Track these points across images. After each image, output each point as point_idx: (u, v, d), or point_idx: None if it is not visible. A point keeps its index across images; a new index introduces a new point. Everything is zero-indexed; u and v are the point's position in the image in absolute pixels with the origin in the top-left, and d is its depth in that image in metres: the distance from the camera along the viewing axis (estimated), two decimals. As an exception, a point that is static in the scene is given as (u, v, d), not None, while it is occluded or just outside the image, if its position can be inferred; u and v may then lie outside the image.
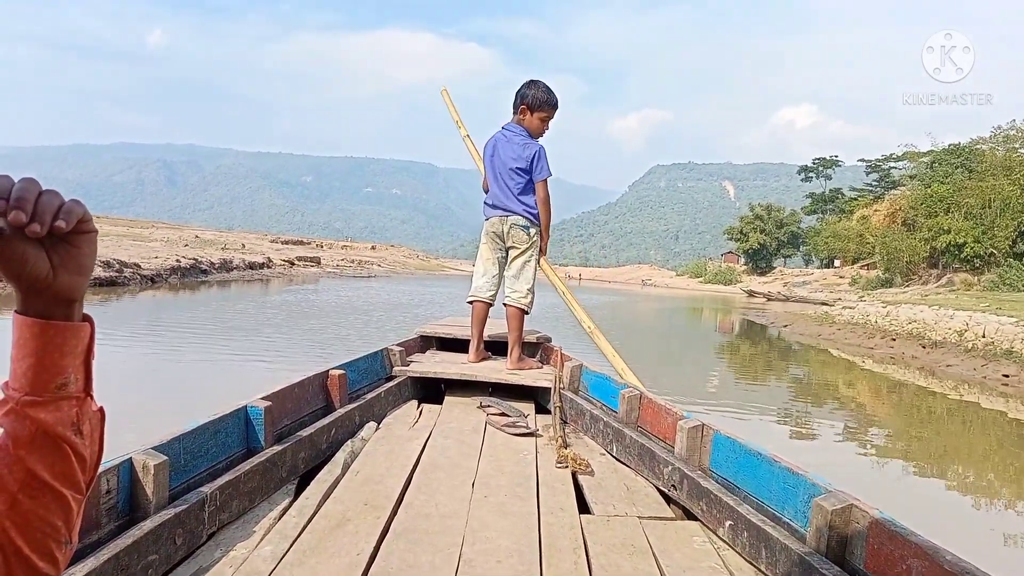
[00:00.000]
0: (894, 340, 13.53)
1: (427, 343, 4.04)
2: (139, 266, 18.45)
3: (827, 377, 10.67)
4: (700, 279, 72.83)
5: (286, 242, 48.03)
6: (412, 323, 11.97)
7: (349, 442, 2.41)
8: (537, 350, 3.89)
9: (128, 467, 1.50)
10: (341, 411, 2.55)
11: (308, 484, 2.02)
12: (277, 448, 2.02)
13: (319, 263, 38.24)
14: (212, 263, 24.26)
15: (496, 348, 3.75)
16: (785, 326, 18.65)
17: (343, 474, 2.13)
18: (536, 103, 3.49)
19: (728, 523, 1.80)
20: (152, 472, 1.50)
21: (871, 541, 1.41)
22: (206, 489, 1.65)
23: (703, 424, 2.14)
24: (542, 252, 3.66)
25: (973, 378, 9.99)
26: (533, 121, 3.51)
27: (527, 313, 3.55)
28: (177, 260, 21.58)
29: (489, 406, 3.03)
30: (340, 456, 2.25)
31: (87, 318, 0.65)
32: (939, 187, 39.06)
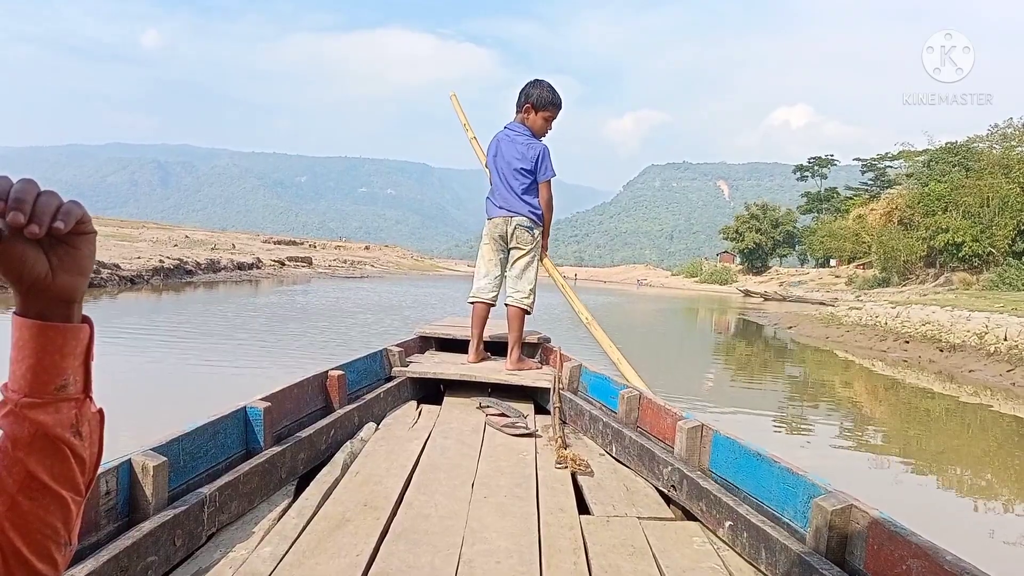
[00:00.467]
0: (907, 343, 13.01)
1: (426, 344, 4.03)
2: (118, 266, 18.05)
3: (841, 382, 10.12)
4: (696, 279, 73.02)
5: (278, 242, 47.74)
6: (402, 327, 11.42)
7: (348, 443, 2.40)
8: (536, 351, 3.89)
9: (127, 468, 1.49)
10: (340, 412, 2.54)
11: (307, 485, 2.01)
12: (276, 449, 2.01)
13: (310, 263, 38.03)
14: (198, 263, 23.84)
15: (495, 348, 3.74)
16: (790, 327, 18.15)
17: (342, 475, 2.12)
18: (541, 102, 3.49)
19: (728, 523, 1.80)
20: (151, 473, 1.49)
21: (871, 541, 1.41)
22: (205, 490, 1.64)
23: (703, 424, 2.14)
24: (543, 250, 3.67)
25: (999, 384, 9.36)
26: (537, 120, 3.51)
27: (528, 313, 3.55)
28: (160, 260, 21.13)
29: (488, 407, 3.02)
30: (339, 457, 2.25)
31: (86, 319, 0.64)
32: (936, 186, 39.04)
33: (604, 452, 2.61)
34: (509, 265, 3.63)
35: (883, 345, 13.35)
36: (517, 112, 3.56)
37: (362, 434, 2.54)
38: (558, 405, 2.96)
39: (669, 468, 2.13)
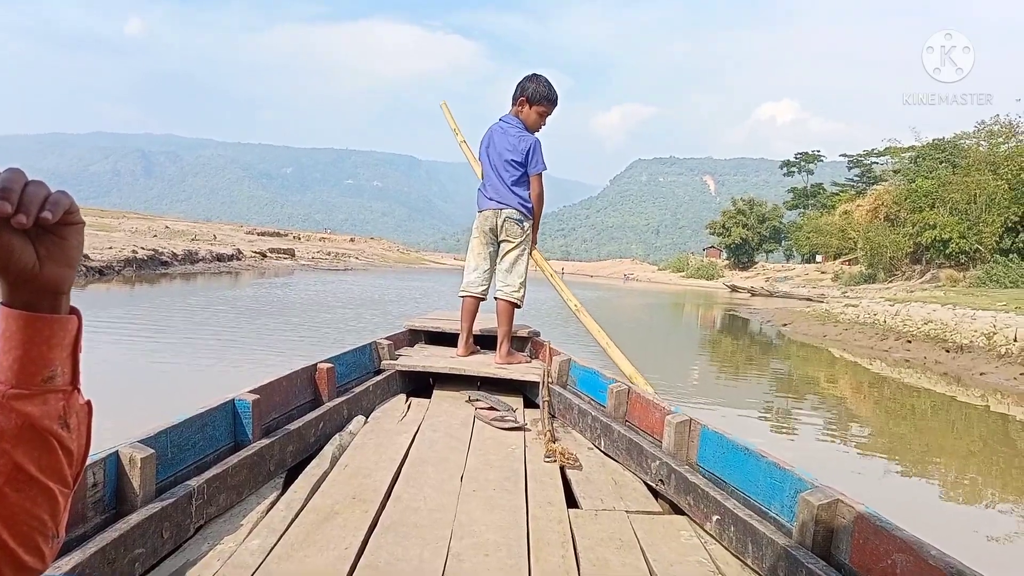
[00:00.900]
0: (910, 342, 12.35)
1: (415, 337, 4.02)
2: (87, 256, 17.57)
3: (844, 384, 9.61)
4: (682, 273, 73.32)
5: (262, 233, 47.16)
6: (382, 323, 11.03)
7: (337, 436, 2.39)
8: (526, 344, 3.89)
9: (115, 460, 1.48)
10: (329, 405, 2.53)
11: (296, 478, 2.01)
12: (265, 442, 2.00)
13: (293, 255, 37.52)
14: (175, 254, 23.33)
15: (485, 342, 3.75)
16: (785, 325, 17.51)
17: (331, 468, 2.12)
18: (536, 97, 3.49)
19: (715, 517, 1.81)
20: (139, 465, 1.48)
21: (857, 536, 1.42)
22: (193, 483, 1.63)
23: (691, 419, 2.15)
24: (532, 243, 3.67)
25: (1014, 389, 8.84)
26: (531, 115, 3.51)
27: (518, 307, 3.55)
28: (133, 251, 20.60)
29: (478, 400, 3.02)
30: (328, 450, 2.24)
31: (74, 311, 0.64)
32: (923, 182, 39.16)
33: (593, 446, 2.62)
34: (499, 258, 3.62)
35: (884, 345, 12.74)
36: (512, 105, 3.56)
37: (351, 427, 2.53)
38: (547, 399, 2.97)
39: (657, 462, 2.14)
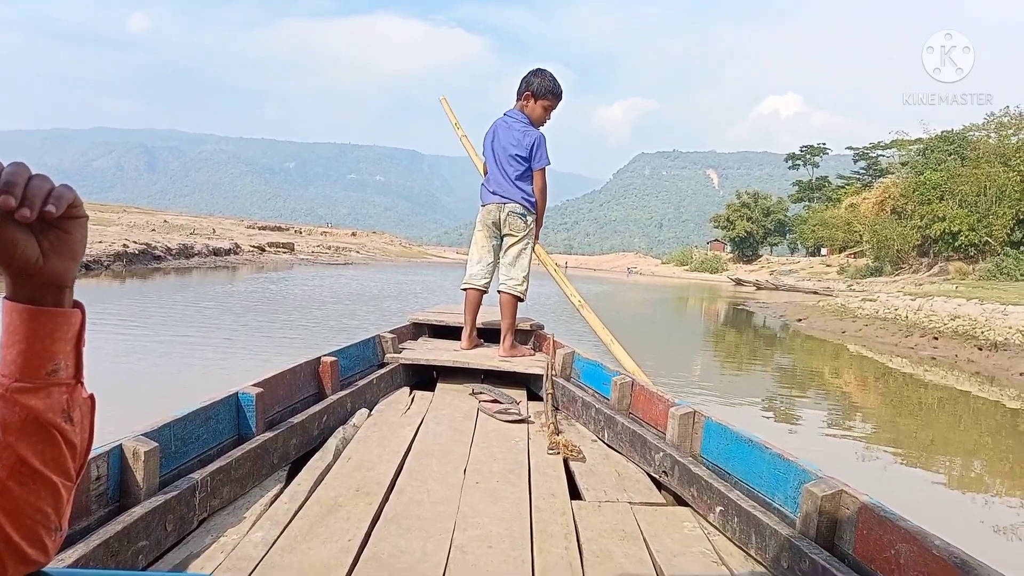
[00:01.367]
0: (936, 339, 11.69)
1: (419, 330, 4.03)
2: None
3: (872, 384, 8.90)
4: (686, 267, 73.12)
5: (263, 228, 46.70)
6: (378, 321, 10.32)
7: (341, 429, 2.40)
8: (529, 337, 3.89)
9: (118, 453, 1.48)
10: (333, 398, 2.54)
11: (300, 471, 2.01)
12: (268, 435, 2.01)
13: (292, 249, 36.90)
14: (168, 249, 22.59)
15: (488, 335, 3.75)
16: (799, 320, 16.67)
17: (335, 460, 2.12)
18: (541, 91, 3.49)
19: (719, 509, 1.81)
20: (143, 459, 1.49)
21: (860, 526, 1.42)
22: (197, 475, 1.64)
23: (695, 411, 2.15)
24: (535, 238, 3.67)
25: None
26: (536, 109, 3.51)
27: (521, 300, 3.55)
28: (124, 245, 19.82)
29: (481, 393, 3.02)
30: (332, 443, 2.24)
31: (78, 304, 0.64)
32: (932, 174, 38.58)
33: (596, 438, 2.63)
34: (502, 252, 3.63)
35: (909, 342, 12.00)
36: (517, 99, 3.56)
37: (354, 420, 2.54)
38: (551, 391, 2.97)
39: (661, 454, 2.14)
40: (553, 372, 3.14)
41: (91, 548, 1.25)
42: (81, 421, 0.65)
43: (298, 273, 24.29)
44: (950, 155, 39.96)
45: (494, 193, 3.55)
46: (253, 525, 1.64)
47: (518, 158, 3.48)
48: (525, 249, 3.59)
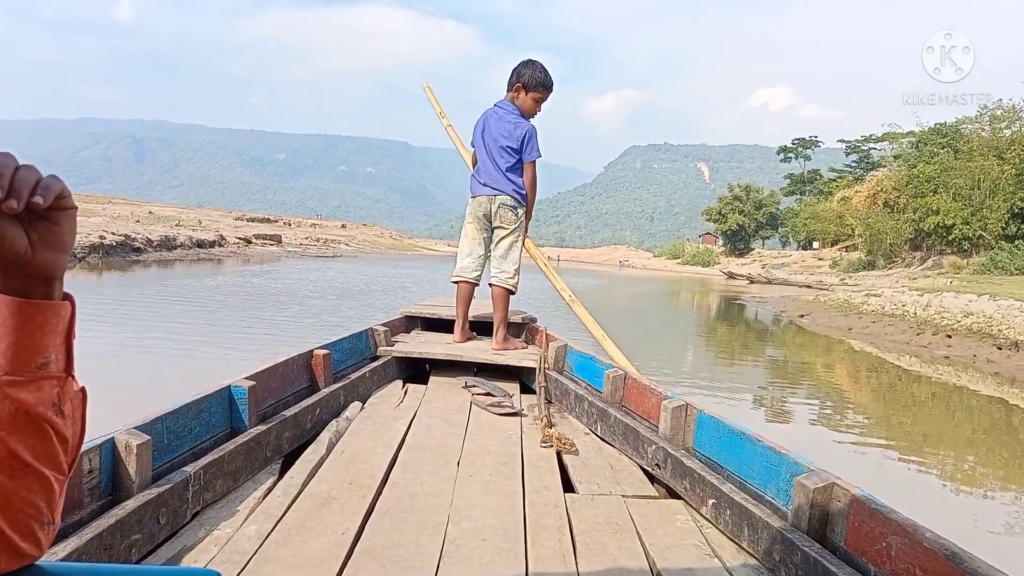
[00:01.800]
0: (950, 337, 11.10)
1: (412, 323, 4.02)
2: None
3: (890, 388, 8.22)
4: (678, 260, 73.35)
5: (251, 220, 46.10)
6: (364, 316, 9.77)
7: (334, 422, 2.39)
8: (522, 330, 3.89)
9: (110, 447, 1.47)
10: (326, 391, 2.53)
11: (293, 464, 2.01)
12: (261, 428, 2.00)
13: (280, 242, 36.32)
14: (149, 240, 22.04)
15: (481, 328, 3.75)
16: (802, 316, 16.00)
17: (328, 454, 2.12)
18: (532, 83, 3.47)
19: (711, 501, 1.82)
20: (135, 452, 1.48)
21: (852, 519, 1.43)
22: (190, 469, 1.63)
23: (687, 404, 2.16)
24: (525, 231, 3.66)
25: None
26: (527, 101, 3.49)
27: (513, 293, 3.55)
28: (101, 237, 19.25)
29: (474, 386, 3.02)
30: (325, 436, 2.24)
31: (67, 297, 0.64)
32: (925, 167, 38.38)
33: (589, 431, 2.63)
34: (493, 245, 3.62)
35: (922, 340, 11.40)
36: (508, 91, 3.54)
37: (347, 413, 2.53)
38: (544, 384, 2.97)
39: (653, 447, 2.15)
40: (546, 365, 3.14)
41: (84, 542, 1.25)
42: (72, 414, 0.64)
43: (284, 266, 23.70)
44: (943, 148, 39.92)
45: (485, 184, 3.54)
46: (247, 518, 1.64)
47: (509, 150, 3.46)
48: (516, 242, 3.58)
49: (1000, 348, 10.07)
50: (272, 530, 1.57)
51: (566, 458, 2.29)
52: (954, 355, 10.32)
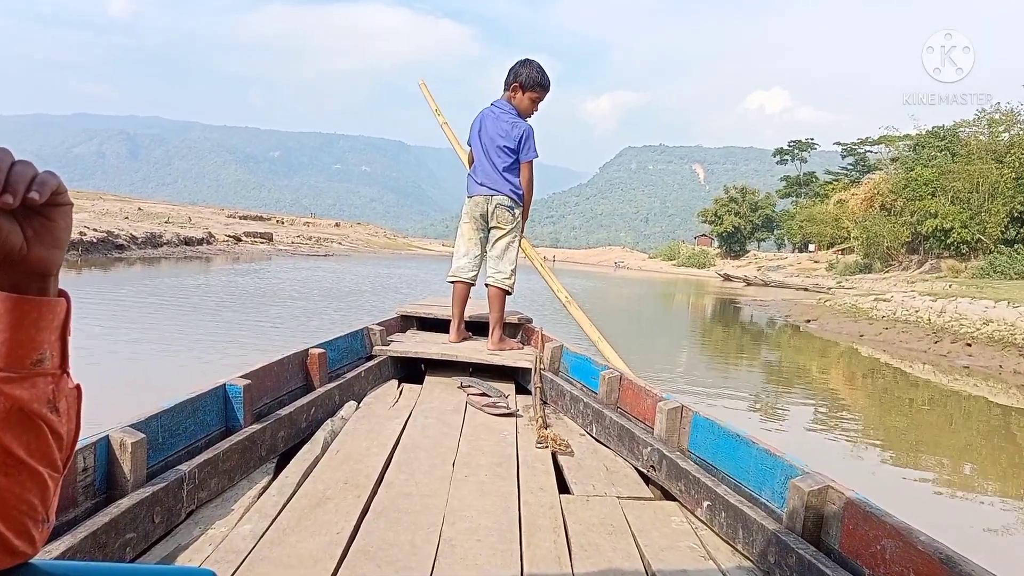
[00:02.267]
0: (969, 345, 10.59)
1: (407, 323, 4.02)
2: None
3: (921, 404, 7.57)
4: (673, 262, 73.46)
5: (244, 217, 45.52)
6: (345, 319, 9.15)
7: (329, 421, 2.38)
8: (518, 331, 3.89)
9: (105, 445, 1.47)
10: (321, 390, 2.53)
11: (288, 463, 2.00)
12: (256, 427, 1.99)
13: (271, 240, 35.86)
14: (133, 237, 21.52)
15: (477, 328, 3.75)
16: (808, 321, 15.44)
17: (323, 453, 2.11)
18: (529, 83, 3.46)
19: (706, 503, 1.82)
20: (129, 450, 1.47)
21: (846, 521, 1.43)
22: (184, 467, 1.63)
23: (682, 406, 2.16)
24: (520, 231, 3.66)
25: None
26: (523, 101, 3.49)
27: (509, 294, 3.55)
28: (81, 233, 18.61)
29: (470, 386, 3.02)
30: (320, 435, 2.23)
31: (63, 293, 0.63)
32: (923, 170, 38.19)
33: (584, 432, 2.63)
34: (489, 245, 3.61)
35: (940, 348, 10.84)
36: (505, 90, 3.53)
37: (343, 412, 2.53)
38: (539, 385, 2.97)
39: (649, 448, 2.15)
40: (541, 366, 3.14)
41: (78, 540, 1.24)
42: (67, 411, 0.64)
43: (273, 265, 23.16)
44: (941, 151, 39.88)
45: (481, 184, 3.53)
46: (241, 517, 1.63)
47: (506, 149, 3.46)
48: (513, 242, 3.58)
49: (1025, 357, 9.60)
50: (267, 529, 1.57)
51: (561, 459, 2.29)
52: (976, 365, 9.79)
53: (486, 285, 3.55)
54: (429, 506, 1.79)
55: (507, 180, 3.49)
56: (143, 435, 1.52)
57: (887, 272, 37.96)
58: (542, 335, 3.49)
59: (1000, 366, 9.56)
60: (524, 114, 3.51)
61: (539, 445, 2.38)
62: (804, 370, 9.80)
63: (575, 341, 3.46)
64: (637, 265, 77.43)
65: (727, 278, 45.77)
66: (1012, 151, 33.64)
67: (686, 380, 7.90)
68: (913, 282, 25.12)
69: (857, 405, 7.51)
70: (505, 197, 3.50)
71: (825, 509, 1.50)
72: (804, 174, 73.23)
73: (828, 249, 52.78)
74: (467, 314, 3.62)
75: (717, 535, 1.76)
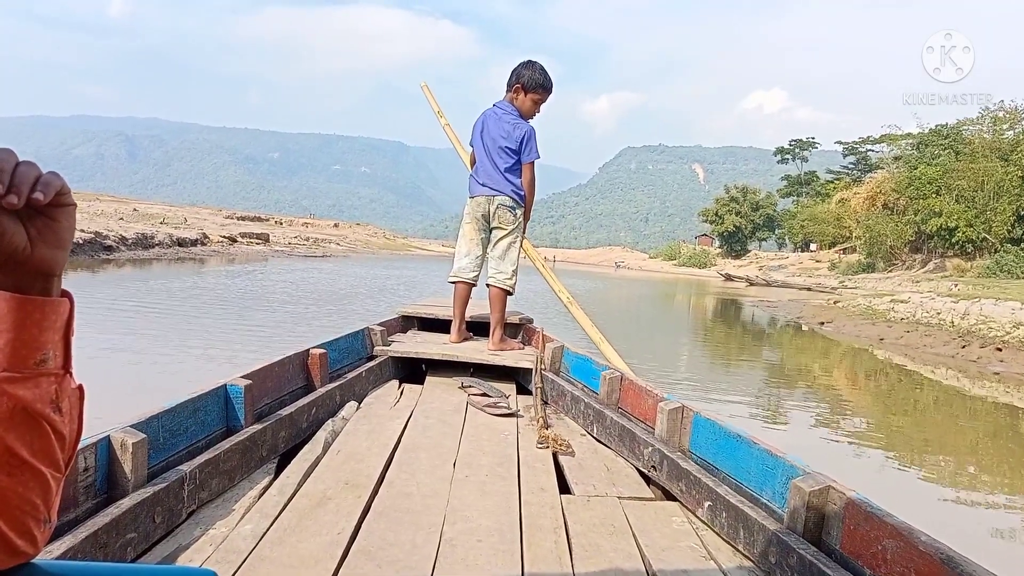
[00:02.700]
0: (1000, 350, 9.92)
1: (408, 323, 4.02)
2: None
3: (952, 413, 6.93)
4: (674, 262, 73.32)
5: (241, 218, 45.06)
6: (334, 325, 8.51)
7: (330, 421, 2.39)
8: (519, 331, 3.89)
9: (106, 445, 1.47)
10: (322, 390, 2.52)
11: (289, 463, 2.00)
12: (257, 427, 1.99)
13: (267, 240, 35.18)
14: (123, 238, 20.98)
15: (478, 329, 3.75)
16: (822, 323, 14.74)
17: (324, 453, 2.11)
18: (531, 84, 3.46)
19: (707, 504, 1.82)
20: (131, 450, 1.47)
21: (847, 522, 1.43)
22: (185, 467, 1.63)
23: (683, 406, 2.16)
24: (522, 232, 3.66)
25: None
26: (526, 102, 3.49)
27: (510, 294, 3.55)
28: None
29: (471, 386, 3.02)
30: (321, 435, 2.23)
31: (66, 294, 0.63)
32: (927, 169, 37.84)
33: (585, 432, 2.63)
34: (491, 245, 3.62)
35: (969, 353, 10.11)
36: (507, 91, 3.54)
37: (344, 413, 2.53)
38: (540, 385, 2.97)
39: (650, 449, 2.15)
40: (542, 366, 3.14)
41: (79, 540, 1.24)
42: (70, 411, 0.64)
43: (269, 267, 22.57)
44: (945, 149, 39.60)
45: (483, 185, 3.53)
46: (242, 518, 1.63)
47: (508, 150, 3.46)
48: (514, 243, 3.58)
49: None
50: (268, 529, 1.57)
51: (562, 459, 2.29)
52: (1010, 372, 9.05)
53: (487, 285, 3.55)
54: (430, 506, 1.78)
55: (509, 181, 3.50)
56: (144, 435, 1.52)
57: (890, 271, 37.78)
58: (543, 335, 3.49)
59: (1036, 373, 8.87)
60: (526, 115, 3.51)
61: (540, 445, 2.38)
62: (834, 377, 9.12)
63: (575, 341, 3.46)
64: (637, 265, 77.36)
65: (728, 278, 45.64)
66: (1019, 149, 33.27)
67: (706, 388, 7.21)
68: (918, 281, 24.93)
69: (899, 420, 6.78)
70: (507, 198, 3.51)
71: (826, 509, 1.50)
72: (805, 173, 73.15)
73: (830, 248, 52.64)
74: (468, 314, 3.62)
75: (718, 535, 1.76)
